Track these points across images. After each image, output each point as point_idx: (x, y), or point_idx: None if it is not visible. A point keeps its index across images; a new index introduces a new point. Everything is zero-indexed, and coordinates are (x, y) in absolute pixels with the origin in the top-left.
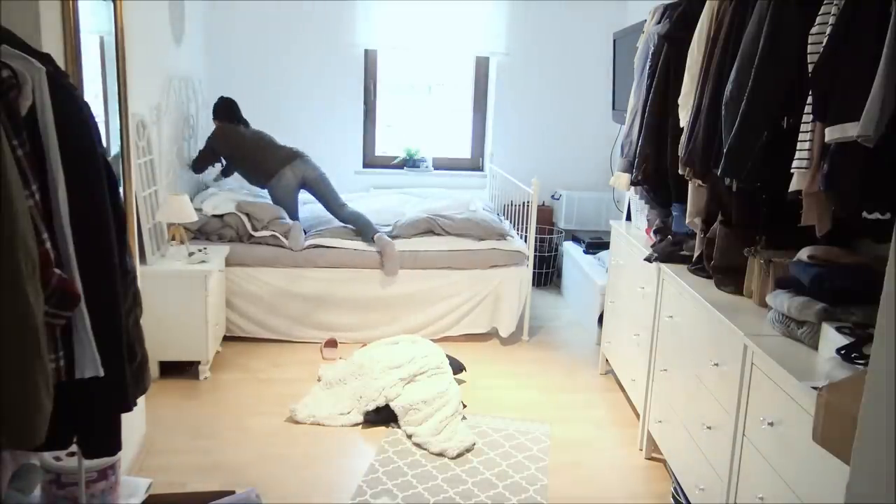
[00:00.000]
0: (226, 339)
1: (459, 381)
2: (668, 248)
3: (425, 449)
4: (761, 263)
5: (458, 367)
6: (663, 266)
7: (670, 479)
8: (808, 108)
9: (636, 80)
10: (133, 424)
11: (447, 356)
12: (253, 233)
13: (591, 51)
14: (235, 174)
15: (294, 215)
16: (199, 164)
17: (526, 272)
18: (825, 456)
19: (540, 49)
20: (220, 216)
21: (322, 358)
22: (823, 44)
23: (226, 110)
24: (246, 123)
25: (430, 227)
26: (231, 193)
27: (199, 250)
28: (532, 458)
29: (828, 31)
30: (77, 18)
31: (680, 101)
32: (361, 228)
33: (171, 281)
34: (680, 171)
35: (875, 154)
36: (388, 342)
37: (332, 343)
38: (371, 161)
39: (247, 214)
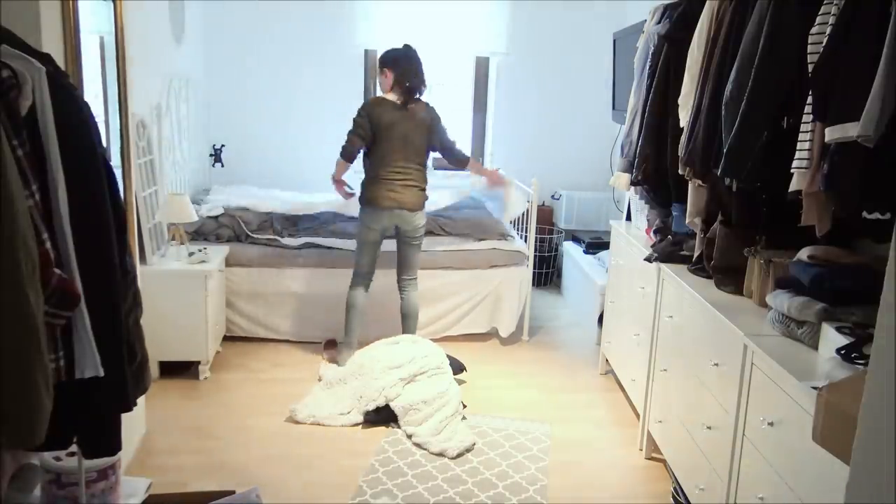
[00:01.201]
0: (226, 339)
1: (459, 382)
2: (668, 248)
3: (425, 449)
4: (761, 263)
5: (458, 367)
6: (663, 266)
7: (670, 479)
8: (808, 108)
9: (636, 80)
10: (133, 424)
11: (447, 356)
12: (250, 233)
13: (591, 51)
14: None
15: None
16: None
17: (526, 272)
18: (825, 456)
19: (540, 49)
20: (215, 217)
21: (323, 358)
22: (823, 44)
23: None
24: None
25: (429, 228)
26: (223, 196)
27: (199, 250)
28: (532, 458)
29: (828, 31)
30: (77, 18)
31: (680, 101)
32: (406, 324)
33: (171, 281)
34: (680, 171)
35: (875, 154)
36: (388, 342)
37: (331, 343)
38: None
39: (238, 217)
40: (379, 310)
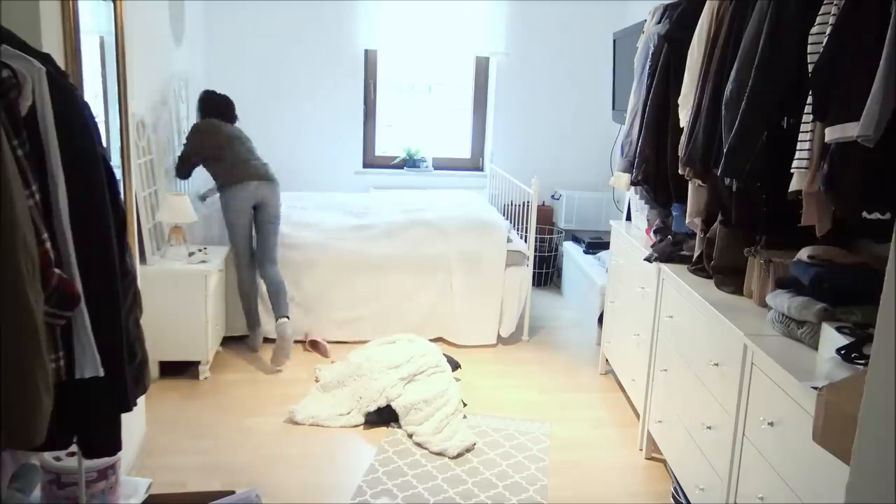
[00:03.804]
0: (226, 339)
1: (455, 379)
2: (668, 248)
3: (426, 448)
4: (761, 263)
5: (453, 365)
6: (663, 266)
7: (670, 479)
8: (808, 108)
9: (636, 80)
10: (133, 424)
11: (443, 354)
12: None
13: (591, 51)
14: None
15: (248, 241)
16: (181, 168)
17: (526, 272)
18: (825, 456)
19: (540, 49)
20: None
21: (322, 354)
22: (823, 44)
23: (215, 106)
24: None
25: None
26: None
27: (199, 250)
28: (532, 458)
29: (828, 30)
30: (77, 18)
31: (680, 101)
32: (274, 299)
33: (171, 281)
34: (680, 172)
35: (875, 154)
36: (384, 341)
37: (314, 343)
38: (371, 161)
39: None
40: (380, 307)
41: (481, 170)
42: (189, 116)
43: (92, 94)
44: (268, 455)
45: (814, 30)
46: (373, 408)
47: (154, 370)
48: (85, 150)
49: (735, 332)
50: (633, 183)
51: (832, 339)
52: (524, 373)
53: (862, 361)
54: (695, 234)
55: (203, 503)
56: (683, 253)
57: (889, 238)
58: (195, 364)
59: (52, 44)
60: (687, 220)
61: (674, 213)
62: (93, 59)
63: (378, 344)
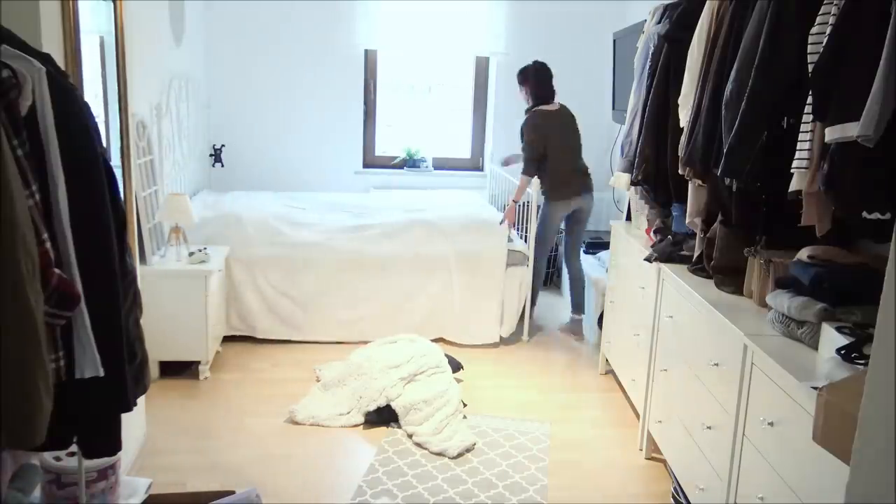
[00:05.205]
0: (226, 339)
1: (457, 380)
2: (668, 248)
3: (426, 448)
4: (761, 263)
5: (455, 366)
6: (663, 266)
7: (670, 479)
8: (808, 108)
9: (636, 80)
10: (133, 424)
11: (445, 354)
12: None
13: (591, 51)
14: None
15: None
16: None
17: (526, 272)
18: (825, 456)
19: (540, 49)
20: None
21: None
22: (823, 44)
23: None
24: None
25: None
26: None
27: (199, 250)
28: (532, 458)
29: (828, 30)
30: (77, 18)
31: (680, 101)
32: (576, 290)
33: (171, 281)
34: (680, 171)
35: (875, 154)
36: (385, 341)
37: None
38: (371, 161)
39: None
40: (380, 307)
41: (481, 170)
42: (189, 116)
43: (92, 94)
44: (268, 455)
45: (814, 30)
46: (373, 407)
47: (154, 370)
48: (85, 150)
49: (735, 332)
50: (633, 183)
51: (832, 339)
52: (524, 373)
53: (862, 361)
54: (695, 234)
55: (203, 503)
56: (683, 253)
57: (889, 238)
58: (195, 364)
59: (52, 44)
60: (687, 220)
61: (674, 213)
62: (93, 59)
63: (379, 344)
